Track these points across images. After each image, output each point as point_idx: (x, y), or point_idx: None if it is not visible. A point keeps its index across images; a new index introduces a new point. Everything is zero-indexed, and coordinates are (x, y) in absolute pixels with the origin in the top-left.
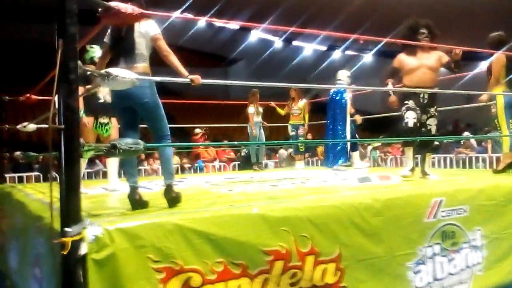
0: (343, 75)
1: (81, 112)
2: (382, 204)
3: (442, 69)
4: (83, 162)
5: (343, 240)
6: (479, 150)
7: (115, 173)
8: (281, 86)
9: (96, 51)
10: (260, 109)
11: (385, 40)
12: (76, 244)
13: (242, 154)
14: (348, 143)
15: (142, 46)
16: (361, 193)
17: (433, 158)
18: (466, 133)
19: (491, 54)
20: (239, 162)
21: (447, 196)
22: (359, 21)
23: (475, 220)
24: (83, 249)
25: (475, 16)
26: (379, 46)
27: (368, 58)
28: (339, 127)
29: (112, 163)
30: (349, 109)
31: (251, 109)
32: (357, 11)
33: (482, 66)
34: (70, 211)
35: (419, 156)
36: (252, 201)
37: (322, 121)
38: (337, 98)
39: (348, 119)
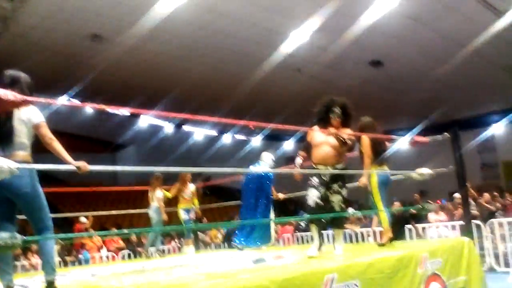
0: (268, 157)
1: None
2: (279, 286)
3: None
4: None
5: None
6: (364, 225)
7: None
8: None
9: None
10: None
11: (270, 125)
12: None
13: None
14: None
15: (22, 134)
16: (257, 275)
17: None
18: (350, 209)
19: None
20: (129, 252)
21: (338, 272)
22: (246, 107)
23: None
24: None
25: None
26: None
27: (256, 141)
28: (263, 207)
29: None
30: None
31: (160, 193)
32: (244, 98)
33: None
34: None
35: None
36: None
37: (216, 204)
38: (261, 179)
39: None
